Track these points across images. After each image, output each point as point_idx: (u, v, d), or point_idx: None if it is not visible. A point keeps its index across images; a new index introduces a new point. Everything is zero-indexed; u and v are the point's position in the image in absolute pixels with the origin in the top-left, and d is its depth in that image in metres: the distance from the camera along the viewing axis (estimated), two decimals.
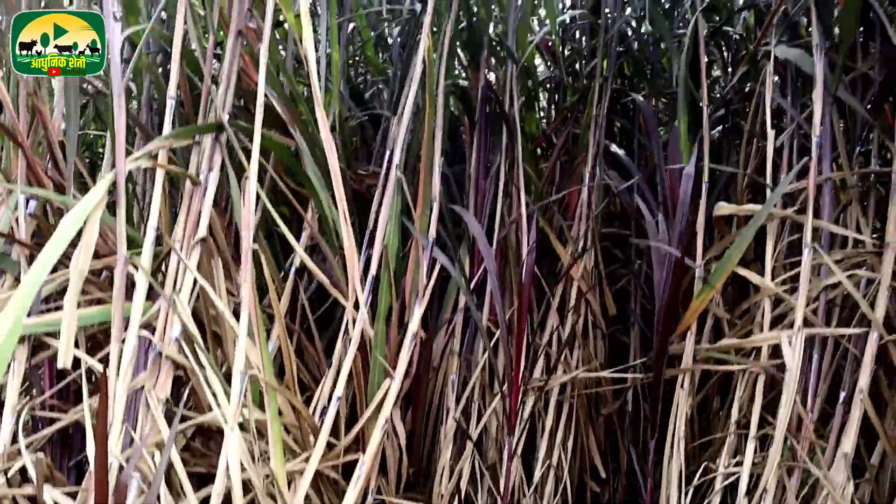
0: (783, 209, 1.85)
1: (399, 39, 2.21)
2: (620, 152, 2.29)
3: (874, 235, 1.84)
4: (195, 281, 1.37)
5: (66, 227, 1.11)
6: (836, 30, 1.86)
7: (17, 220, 1.39)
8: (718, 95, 2.32)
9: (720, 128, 2.40)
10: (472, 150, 2.02)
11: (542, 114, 2.57)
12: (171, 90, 1.41)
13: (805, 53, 1.87)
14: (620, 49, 2.32)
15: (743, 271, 1.82)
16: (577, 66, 2.43)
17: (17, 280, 1.37)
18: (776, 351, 1.76)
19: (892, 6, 1.83)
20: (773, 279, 1.82)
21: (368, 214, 2.03)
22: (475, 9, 1.96)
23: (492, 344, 1.91)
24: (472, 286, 1.95)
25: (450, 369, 1.94)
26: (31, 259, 1.38)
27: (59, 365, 1.12)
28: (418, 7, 2.10)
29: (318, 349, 1.76)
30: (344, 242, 1.35)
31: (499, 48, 2.04)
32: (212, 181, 1.46)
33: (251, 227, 1.25)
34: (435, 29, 1.75)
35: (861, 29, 1.87)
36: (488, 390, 1.97)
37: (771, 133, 1.85)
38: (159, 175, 1.35)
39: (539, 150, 2.39)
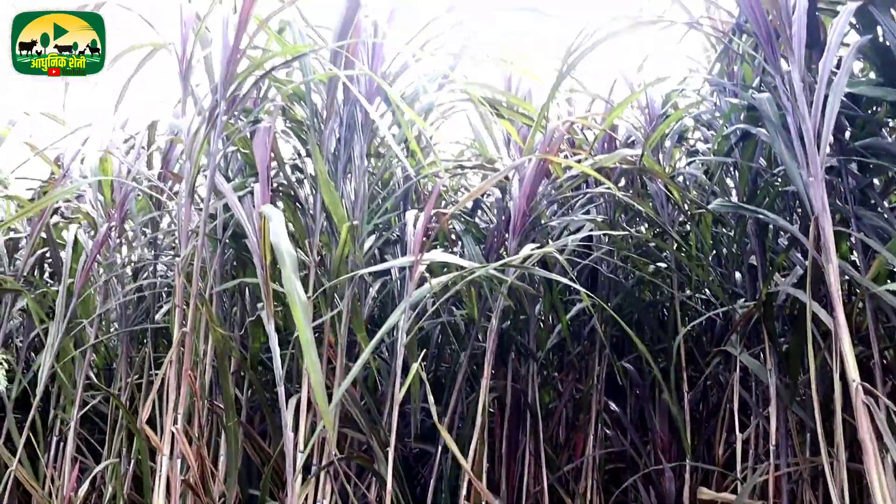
0: (751, 497, 2.39)
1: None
2: (618, 410, 2.84)
3: None
4: None
5: None
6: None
7: None
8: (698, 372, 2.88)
9: (701, 393, 2.97)
10: (503, 434, 2.57)
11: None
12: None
13: (763, 367, 2.46)
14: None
15: None
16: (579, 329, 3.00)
17: None
18: None
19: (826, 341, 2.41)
20: None
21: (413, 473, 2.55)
22: (505, 325, 2.56)
23: None
24: None
25: None
26: None
27: None
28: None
29: None
30: None
31: (522, 350, 2.63)
32: None
33: None
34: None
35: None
36: None
37: (739, 435, 2.43)
38: None
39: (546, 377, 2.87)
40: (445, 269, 2.45)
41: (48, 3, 1.71)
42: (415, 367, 2.09)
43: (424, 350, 2.71)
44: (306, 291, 2.26)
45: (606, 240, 2.58)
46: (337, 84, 2.25)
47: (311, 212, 2.35)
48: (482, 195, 2.61)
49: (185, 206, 2.18)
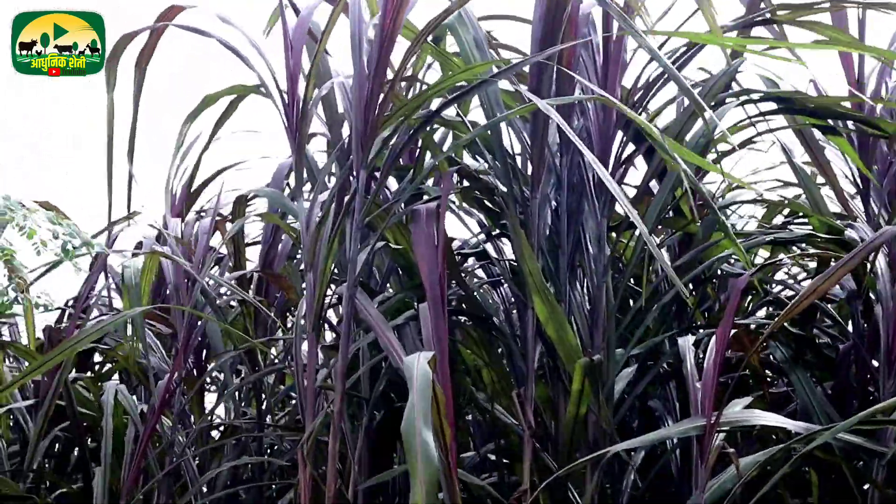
0: None
1: None
2: None
3: None
4: None
5: None
6: None
7: None
8: None
9: None
10: None
11: None
12: None
13: None
14: None
15: None
16: None
17: None
18: None
19: None
20: None
21: None
22: None
23: None
24: None
25: None
26: None
27: None
28: None
29: None
30: None
31: None
32: None
33: None
34: None
35: None
36: None
37: None
38: None
39: None
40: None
41: (48, 3, 2.18)
42: None
43: None
44: (518, 482, 2.03)
45: None
46: (546, 120, 2.01)
47: (514, 340, 2.12)
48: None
49: (310, 346, 2.01)
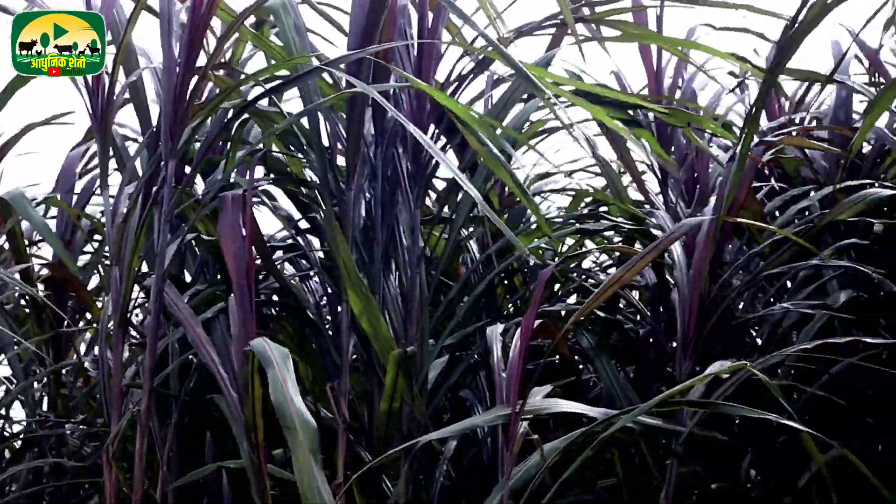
0: None
1: None
2: None
3: None
4: None
5: None
6: None
7: None
8: None
9: None
10: None
11: None
12: None
13: None
14: None
15: None
16: None
17: None
18: None
19: None
20: None
21: None
22: None
23: None
24: None
25: None
26: None
27: None
28: None
29: None
30: None
31: None
32: None
33: None
34: None
35: None
36: None
37: None
38: None
39: None
40: None
41: (47, 3, 2.23)
42: None
43: None
44: (332, 475, 2.04)
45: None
46: (363, 111, 2.03)
47: (329, 333, 2.13)
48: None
49: (116, 343, 1.96)
